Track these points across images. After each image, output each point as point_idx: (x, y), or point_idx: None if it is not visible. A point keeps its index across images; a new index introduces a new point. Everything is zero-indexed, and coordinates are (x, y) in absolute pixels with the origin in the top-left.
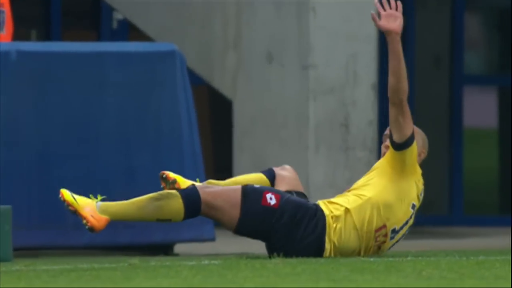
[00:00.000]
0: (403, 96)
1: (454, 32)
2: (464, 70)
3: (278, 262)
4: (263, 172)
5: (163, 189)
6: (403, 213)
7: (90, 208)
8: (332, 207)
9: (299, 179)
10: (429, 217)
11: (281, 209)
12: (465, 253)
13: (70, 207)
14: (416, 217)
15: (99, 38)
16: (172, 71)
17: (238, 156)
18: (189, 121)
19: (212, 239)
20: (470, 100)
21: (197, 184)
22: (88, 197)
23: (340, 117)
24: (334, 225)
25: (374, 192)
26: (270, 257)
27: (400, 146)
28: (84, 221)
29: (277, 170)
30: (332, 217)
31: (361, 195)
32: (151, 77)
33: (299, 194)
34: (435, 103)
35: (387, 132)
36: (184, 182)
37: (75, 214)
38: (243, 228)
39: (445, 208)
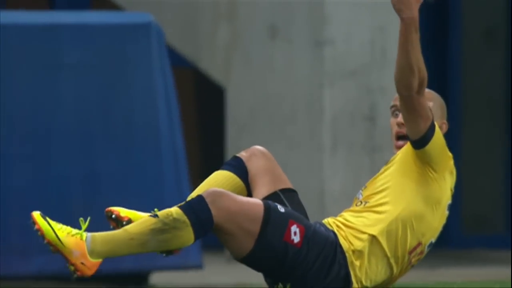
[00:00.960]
0: (411, 92)
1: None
2: None
3: None
4: (231, 169)
5: (117, 222)
6: (439, 221)
7: (80, 252)
8: (349, 234)
9: (311, 187)
10: (482, 238)
11: (304, 250)
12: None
13: (51, 247)
14: (466, 238)
15: (52, 5)
16: (147, 49)
17: None
18: (169, 114)
19: (199, 267)
20: None
21: (206, 191)
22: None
23: (364, 108)
24: (358, 262)
25: (400, 206)
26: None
27: (419, 143)
28: (72, 268)
29: (248, 162)
30: (353, 252)
31: (384, 211)
32: (120, 57)
33: (287, 193)
34: (488, 86)
35: (395, 102)
36: (141, 218)
37: (57, 254)
38: (252, 261)
39: (501, 226)
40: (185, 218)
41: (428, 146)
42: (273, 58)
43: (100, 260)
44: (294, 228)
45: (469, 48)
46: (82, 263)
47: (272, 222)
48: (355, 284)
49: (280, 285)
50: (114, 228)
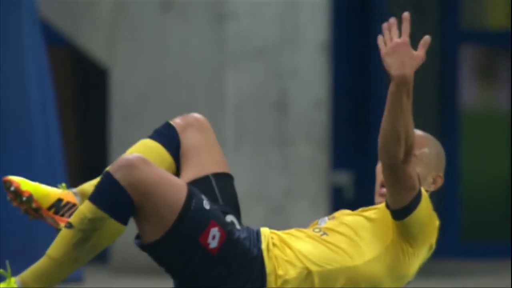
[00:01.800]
0: (395, 161)
1: None
2: (461, 24)
3: None
4: (160, 139)
5: (16, 195)
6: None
7: None
8: (284, 256)
9: None
10: (488, 247)
11: (217, 259)
12: None
13: None
14: (469, 248)
15: None
16: (15, 23)
17: (118, 153)
18: (42, 100)
19: (79, 280)
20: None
21: (115, 163)
22: None
23: (273, 94)
24: None
25: (357, 261)
26: None
27: (398, 215)
28: None
29: (182, 133)
30: (278, 277)
31: (337, 255)
32: None
33: (221, 179)
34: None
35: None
36: (47, 195)
37: None
38: (155, 251)
39: (507, 233)
40: (101, 213)
41: (408, 219)
42: (166, 35)
43: None
44: (214, 231)
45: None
46: None
47: (190, 217)
48: None
49: None
50: (11, 200)
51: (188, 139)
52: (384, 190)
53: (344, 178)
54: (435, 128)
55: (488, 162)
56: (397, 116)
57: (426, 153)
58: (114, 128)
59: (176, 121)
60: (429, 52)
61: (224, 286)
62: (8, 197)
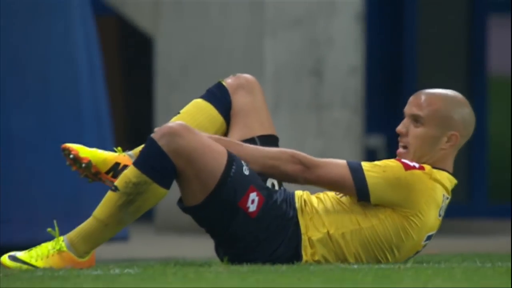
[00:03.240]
0: (297, 178)
1: None
2: None
3: (222, 270)
4: (212, 100)
5: (75, 161)
6: (407, 252)
7: (71, 263)
8: (312, 217)
9: None
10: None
11: (256, 222)
12: (490, 257)
13: None
14: (497, 208)
15: None
16: None
17: (162, 119)
18: (90, 67)
19: (125, 238)
20: (497, 37)
21: (159, 129)
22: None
23: (309, 61)
24: (311, 250)
25: (372, 221)
26: (222, 261)
27: (360, 199)
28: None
29: (233, 95)
30: (308, 240)
31: (355, 216)
32: (34, 3)
33: (266, 141)
34: (450, 38)
35: (410, 111)
36: (104, 160)
37: None
38: (197, 214)
39: (464, 195)
40: (144, 177)
41: (372, 198)
42: (207, 4)
43: (92, 254)
44: (253, 196)
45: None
46: (75, 266)
47: (230, 182)
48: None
49: (225, 259)
50: (70, 165)
51: (238, 101)
52: (400, 150)
53: (377, 141)
54: (464, 92)
55: None
56: (251, 163)
57: (438, 113)
58: (158, 95)
59: (228, 82)
60: (458, 20)
61: (262, 247)
62: (67, 163)
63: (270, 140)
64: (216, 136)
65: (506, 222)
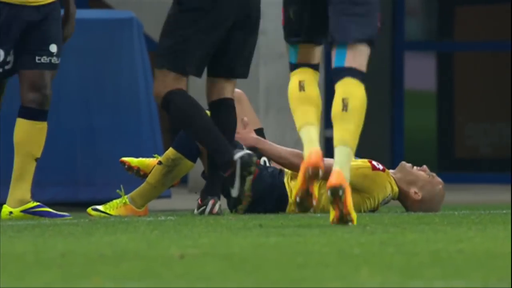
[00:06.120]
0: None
1: (396, 0)
2: (405, 37)
3: (231, 218)
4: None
5: (130, 169)
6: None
7: (132, 212)
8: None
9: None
10: None
11: (252, 187)
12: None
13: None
14: None
15: (61, 5)
16: (130, 37)
17: None
18: (146, 84)
19: (168, 196)
20: (411, 65)
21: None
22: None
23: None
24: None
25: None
26: (231, 211)
27: None
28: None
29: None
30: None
31: None
32: (110, 42)
33: (257, 132)
34: (378, 67)
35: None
36: (148, 165)
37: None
38: None
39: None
40: (179, 155)
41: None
42: None
43: (146, 206)
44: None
45: None
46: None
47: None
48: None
49: (240, 206)
50: (127, 171)
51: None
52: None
53: (331, 133)
54: (386, 103)
55: None
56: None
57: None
58: None
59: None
60: (384, 53)
61: (259, 203)
62: (125, 170)
63: (258, 132)
64: (256, 136)
65: None
